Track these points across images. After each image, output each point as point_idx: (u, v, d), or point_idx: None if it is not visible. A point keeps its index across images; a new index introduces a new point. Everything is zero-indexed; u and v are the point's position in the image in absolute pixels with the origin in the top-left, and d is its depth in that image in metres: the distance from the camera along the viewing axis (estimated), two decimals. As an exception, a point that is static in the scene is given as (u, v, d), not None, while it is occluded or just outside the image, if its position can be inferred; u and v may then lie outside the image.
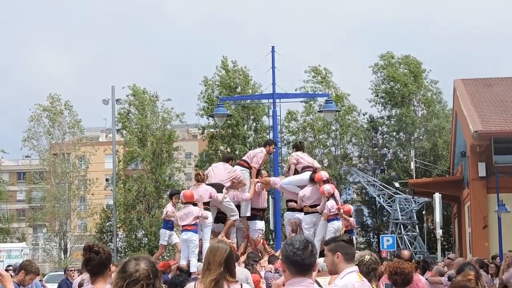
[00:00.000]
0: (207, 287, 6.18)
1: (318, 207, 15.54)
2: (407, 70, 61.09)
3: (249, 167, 16.76)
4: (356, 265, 7.06)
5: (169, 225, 16.27)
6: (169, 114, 57.79)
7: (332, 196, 15.40)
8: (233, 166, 16.58)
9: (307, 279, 5.37)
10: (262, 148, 17.17)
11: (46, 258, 63.13)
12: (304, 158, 16.64)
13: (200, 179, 15.68)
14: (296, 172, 16.45)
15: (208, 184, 15.85)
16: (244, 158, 17.28)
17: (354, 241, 17.54)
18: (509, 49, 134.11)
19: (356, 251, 7.01)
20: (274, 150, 17.61)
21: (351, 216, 16.22)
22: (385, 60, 62.19)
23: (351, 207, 16.84)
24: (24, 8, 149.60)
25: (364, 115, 62.88)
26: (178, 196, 16.74)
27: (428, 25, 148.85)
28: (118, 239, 54.37)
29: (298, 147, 17.29)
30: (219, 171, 16.17)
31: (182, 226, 15.31)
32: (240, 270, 11.88)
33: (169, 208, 16.33)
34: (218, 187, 15.76)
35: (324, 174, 15.74)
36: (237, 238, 16.46)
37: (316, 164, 16.78)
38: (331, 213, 15.25)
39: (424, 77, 61.79)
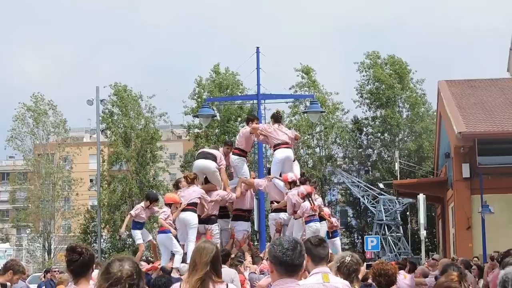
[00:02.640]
0: (193, 287, 6.18)
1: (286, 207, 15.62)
2: (392, 70, 61.12)
3: (244, 155, 16.74)
4: (337, 266, 7.08)
5: (139, 226, 16.14)
6: (152, 112, 57.71)
7: (306, 197, 15.37)
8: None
9: (294, 280, 5.38)
10: (246, 127, 17.00)
11: (30, 259, 62.79)
12: (278, 134, 16.48)
13: (189, 182, 15.68)
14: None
15: (201, 151, 16.37)
16: (237, 146, 17.13)
17: (339, 242, 17.65)
18: (492, 51, 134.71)
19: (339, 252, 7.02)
20: (258, 124, 17.32)
21: (330, 217, 16.26)
22: (371, 59, 62.15)
23: (326, 210, 16.84)
24: (4, 8, 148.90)
25: (347, 113, 62.82)
26: (157, 203, 16.75)
27: (409, 26, 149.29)
28: (102, 240, 54.18)
29: (277, 118, 16.87)
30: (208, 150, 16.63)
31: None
32: (226, 271, 11.87)
33: (139, 209, 16.06)
34: (209, 155, 16.14)
35: (290, 176, 15.71)
36: (221, 239, 16.44)
37: (289, 136, 16.57)
38: (307, 215, 15.24)
39: (410, 78, 61.78)
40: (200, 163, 16.15)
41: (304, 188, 15.46)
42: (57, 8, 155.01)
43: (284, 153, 16.30)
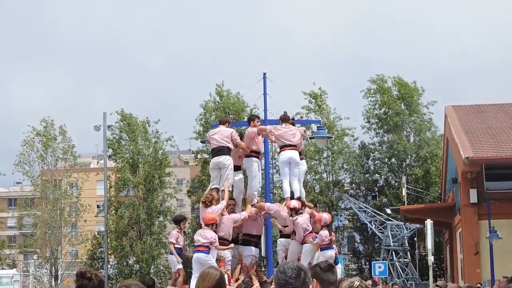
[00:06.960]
0: None
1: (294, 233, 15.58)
2: (400, 93, 60.84)
3: (253, 155, 16.64)
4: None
5: (178, 251, 16.53)
6: (159, 137, 57.73)
7: (327, 226, 15.42)
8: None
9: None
10: (250, 128, 16.95)
11: (37, 285, 62.71)
12: (284, 136, 16.37)
13: (207, 205, 15.72)
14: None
15: (213, 147, 16.12)
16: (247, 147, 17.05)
17: (341, 265, 17.58)
18: (499, 77, 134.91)
19: (347, 278, 7.02)
20: (260, 123, 17.27)
21: (323, 227, 15.89)
22: (377, 84, 62.05)
23: (322, 216, 16.26)
24: (6, 32, 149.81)
25: (355, 140, 62.83)
26: (185, 221, 16.93)
27: (411, 50, 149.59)
28: (109, 266, 54.11)
29: (284, 119, 16.71)
30: (217, 136, 16.31)
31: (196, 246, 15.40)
32: None
33: (175, 235, 16.53)
34: (223, 150, 16.02)
35: (293, 203, 15.70)
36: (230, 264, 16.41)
37: (295, 139, 16.43)
38: (324, 243, 15.25)
39: (417, 101, 61.39)
40: (214, 160, 16.23)
41: (328, 216, 15.59)
42: (52, 39, 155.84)
43: (286, 155, 16.31)
